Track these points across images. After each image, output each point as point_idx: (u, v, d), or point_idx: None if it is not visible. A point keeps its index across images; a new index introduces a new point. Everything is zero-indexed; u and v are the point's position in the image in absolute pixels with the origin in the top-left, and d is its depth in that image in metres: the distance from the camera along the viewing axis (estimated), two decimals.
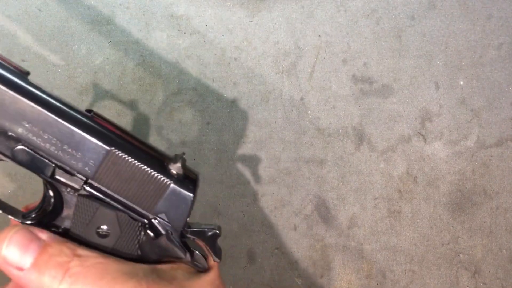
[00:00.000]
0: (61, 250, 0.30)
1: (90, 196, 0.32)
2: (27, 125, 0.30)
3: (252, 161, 0.51)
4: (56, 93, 0.32)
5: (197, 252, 0.34)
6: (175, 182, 0.33)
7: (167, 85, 0.50)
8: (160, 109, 0.50)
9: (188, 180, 0.33)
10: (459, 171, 0.52)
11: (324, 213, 0.51)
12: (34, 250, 0.29)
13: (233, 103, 0.51)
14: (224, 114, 0.50)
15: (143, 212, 0.33)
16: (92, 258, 0.30)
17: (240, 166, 0.51)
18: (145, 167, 0.32)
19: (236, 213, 0.51)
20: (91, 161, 0.31)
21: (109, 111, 0.49)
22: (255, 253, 0.51)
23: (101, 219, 0.32)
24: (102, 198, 0.32)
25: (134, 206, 0.32)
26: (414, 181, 0.52)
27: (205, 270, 0.34)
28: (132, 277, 0.30)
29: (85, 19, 0.49)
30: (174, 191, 0.32)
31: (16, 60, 0.49)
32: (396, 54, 0.51)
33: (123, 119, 0.49)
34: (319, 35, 0.51)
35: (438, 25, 0.51)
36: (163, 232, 0.33)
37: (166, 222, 0.33)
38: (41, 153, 0.31)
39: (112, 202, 0.32)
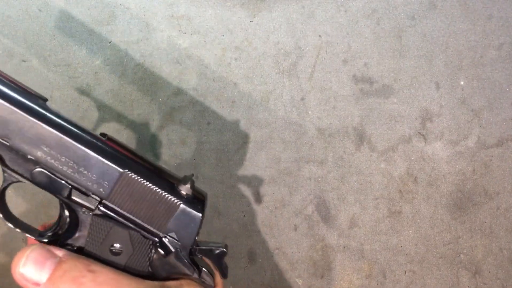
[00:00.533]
0: (75, 266, 0.31)
1: (104, 215, 0.33)
2: (45, 149, 0.32)
3: (253, 161, 0.51)
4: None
5: (205, 269, 0.36)
6: (185, 203, 0.34)
7: (168, 85, 0.50)
8: (161, 109, 0.50)
9: (197, 200, 0.35)
10: (459, 171, 0.52)
11: (324, 213, 0.51)
12: (50, 267, 0.31)
13: (233, 103, 0.51)
14: (224, 114, 0.50)
15: (154, 231, 0.34)
16: (104, 273, 0.31)
17: (240, 166, 0.51)
18: (156, 188, 0.34)
19: (237, 213, 0.51)
20: (106, 182, 0.33)
21: (110, 111, 0.49)
22: (256, 253, 0.51)
23: (114, 237, 0.34)
24: (115, 217, 0.34)
25: (146, 225, 0.34)
26: (414, 181, 0.52)
27: (211, 287, 0.36)
28: None
29: (85, 20, 0.49)
30: (183, 211, 0.34)
31: (17, 60, 0.49)
32: (396, 54, 0.51)
33: (124, 120, 0.49)
34: (320, 35, 0.51)
35: (438, 25, 0.51)
36: (172, 250, 0.34)
37: (176, 241, 0.34)
38: (58, 175, 0.32)
39: (124, 222, 0.34)
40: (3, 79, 0.32)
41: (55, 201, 0.34)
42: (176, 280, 0.35)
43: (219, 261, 0.36)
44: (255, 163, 0.51)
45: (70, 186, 0.33)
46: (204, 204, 0.35)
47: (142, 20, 0.49)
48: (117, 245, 0.34)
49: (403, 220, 0.52)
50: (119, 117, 0.49)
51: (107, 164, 0.33)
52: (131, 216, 0.34)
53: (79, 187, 0.33)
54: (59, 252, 0.32)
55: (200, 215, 0.34)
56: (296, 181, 0.51)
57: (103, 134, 0.35)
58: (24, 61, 0.49)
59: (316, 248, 0.51)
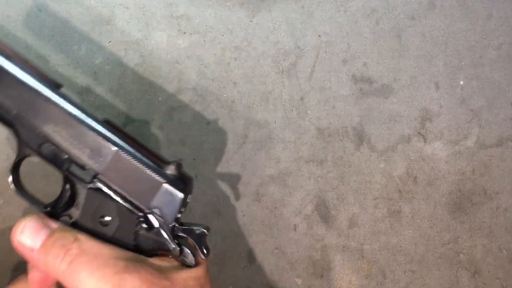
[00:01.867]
0: (65, 236, 0.35)
1: (97, 189, 0.37)
2: (53, 126, 0.37)
3: (252, 161, 0.51)
4: (70, 97, 0.39)
5: (186, 248, 0.38)
6: (168, 182, 0.38)
7: (167, 85, 0.50)
8: (160, 109, 0.50)
9: (181, 181, 0.38)
10: (459, 171, 0.52)
11: (324, 213, 0.51)
12: (43, 235, 0.36)
13: (233, 103, 0.51)
14: (224, 114, 0.50)
15: (140, 206, 0.38)
16: (89, 243, 0.35)
17: (240, 166, 0.51)
18: (144, 167, 0.38)
19: (236, 213, 0.51)
20: (101, 158, 0.37)
21: (109, 110, 0.49)
22: (255, 253, 0.51)
23: (104, 209, 0.38)
24: (106, 191, 0.38)
25: (133, 200, 0.38)
26: (414, 181, 0.52)
27: (193, 265, 0.38)
28: (122, 261, 0.34)
29: (85, 19, 0.49)
30: (166, 190, 0.38)
31: None
32: (396, 54, 0.51)
33: (123, 119, 0.49)
34: (319, 35, 0.51)
35: (438, 25, 0.51)
36: (156, 225, 0.38)
37: (159, 217, 0.38)
38: (62, 150, 0.37)
39: (114, 196, 0.38)
40: (26, 65, 0.38)
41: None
42: (159, 256, 0.38)
43: (199, 240, 0.39)
44: (254, 163, 0.51)
45: (70, 160, 0.37)
46: (188, 185, 0.39)
47: (142, 20, 0.49)
48: (106, 217, 0.37)
49: (402, 220, 0.52)
50: (119, 117, 0.49)
51: (104, 142, 0.37)
52: (120, 191, 0.38)
53: (78, 161, 0.37)
54: (53, 224, 0.37)
55: (182, 194, 0.38)
56: (296, 181, 0.51)
57: (106, 120, 0.39)
58: None
59: (316, 248, 0.51)
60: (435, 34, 0.51)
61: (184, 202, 0.38)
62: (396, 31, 0.51)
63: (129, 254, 0.36)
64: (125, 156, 0.37)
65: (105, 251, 0.35)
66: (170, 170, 0.38)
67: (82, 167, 0.37)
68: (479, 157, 0.52)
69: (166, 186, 0.38)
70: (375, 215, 0.51)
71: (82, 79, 0.49)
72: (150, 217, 0.38)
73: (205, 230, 0.39)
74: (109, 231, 0.37)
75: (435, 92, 0.51)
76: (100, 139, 0.37)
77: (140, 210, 0.38)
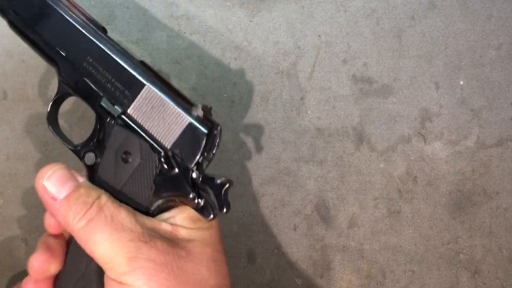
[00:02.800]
0: (89, 193, 0.35)
1: (124, 125, 0.38)
2: (90, 60, 0.38)
3: (252, 161, 0.51)
4: (108, 37, 0.40)
5: (205, 198, 0.37)
6: (193, 121, 0.37)
7: None
8: None
9: (206, 125, 0.37)
10: (459, 171, 0.52)
11: (324, 213, 0.51)
12: (69, 187, 0.35)
13: (233, 103, 0.51)
14: (224, 114, 0.50)
15: (163, 144, 0.37)
16: (110, 204, 0.35)
17: (240, 166, 0.51)
18: (171, 103, 0.37)
19: (236, 213, 0.51)
20: (132, 94, 0.37)
21: None
22: (255, 253, 0.51)
23: (128, 145, 0.37)
24: (132, 127, 0.38)
25: (155, 136, 0.37)
26: (414, 181, 0.52)
27: (209, 220, 0.37)
28: (139, 228, 0.34)
29: None
30: (190, 127, 0.37)
31: (17, 60, 0.49)
32: (396, 54, 0.51)
33: None
34: (319, 35, 0.51)
35: (438, 25, 0.51)
36: (175, 167, 0.37)
37: (180, 158, 0.37)
38: (97, 83, 0.38)
39: (138, 130, 0.37)
40: (74, 6, 0.40)
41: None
42: (175, 209, 0.38)
43: (219, 192, 0.37)
44: (254, 163, 0.51)
45: (102, 95, 0.38)
46: (212, 129, 0.37)
47: (142, 20, 0.49)
48: (128, 153, 0.37)
49: (402, 220, 0.52)
50: None
51: (136, 77, 0.37)
52: (146, 126, 0.37)
53: (110, 96, 0.38)
54: (80, 178, 0.36)
55: (206, 131, 0.36)
56: (296, 181, 0.51)
57: (141, 61, 0.39)
58: (24, 61, 0.49)
59: (316, 247, 0.51)
60: (435, 34, 0.51)
61: (207, 147, 0.37)
62: (396, 31, 0.51)
63: (147, 220, 0.36)
64: (154, 92, 0.37)
65: (123, 215, 0.35)
66: (197, 111, 0.37)
67: (113, 102, 0.38)
68: (479, 157, 0.52)
69: (190, 122, 0.37)
70: (375, 215, 0.51)
71: None
72: (171, 156, 0.37)
73: (227, 182, 0.37)
74: (130, 168, 0.37)
75: (435, 92, 0.51)
76: (133, 74, 0.37)
77: (162, 148, 0.37)
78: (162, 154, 0.37)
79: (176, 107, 0.37)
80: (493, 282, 0.52)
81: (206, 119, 0.37)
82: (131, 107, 0.37)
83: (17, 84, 0.49)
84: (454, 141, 0.52)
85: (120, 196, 0.37)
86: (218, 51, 0.50)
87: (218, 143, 0.38)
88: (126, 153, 0.37)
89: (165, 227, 0.36)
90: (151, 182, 0.37)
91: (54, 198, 0.35)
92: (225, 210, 0.37)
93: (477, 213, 0.52)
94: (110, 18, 0.49)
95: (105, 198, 0.35)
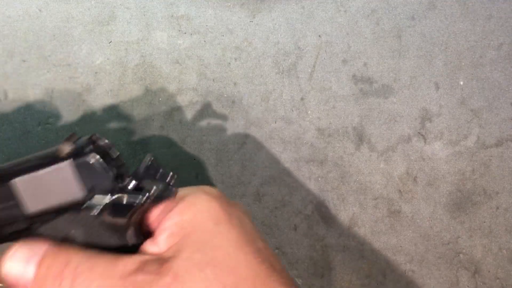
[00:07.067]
0: (56, 260, 0.32)
1: (41, 222, 0.34)
2: None
3: (252, 161, 0.51)
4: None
5: (154, 186, 0.34)
6: (73, 158, 0.33)
7: (168, 85, 0.50)
8: (161, 109, 0.50)
9: (82, 151, 0.33)
10: (459, 171, 0.52)
11: (324, 213, 0.51)
12: (34, 264, 0.32)
13: (233, 103, 0.51)
14: (224, 114, 0.50)
15: (76, 201, 0.33)
16: (83, 261, 0.31)
17: (240, 166, 0.51)
18: (41, 171, 0.33)
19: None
20: (11, 201, 0.34)
21: (110, 111, 0.49)
22: None
23: (60, 229, 0.34)
24: (47, 218, 0.34)
25: (65, 202, 0.33)
26: (414, 181, 0.52)
27: (174, 195, 0.34)
28: (120, 264, 0.31)
29: (85, 20, 0.49)
30: (76, 165, 0.33)
31: (17, 60, 0.49)
32: (396, 54, 0.51)
33: (124, 120, 0.49)
34: (319, 36, 0.51)
35: (438, 26, 0.51)
36: (103, 202, 0.33)
37: (98, 193, 0.33)
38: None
39: (54, 213, 0.34)
40: None
41: None
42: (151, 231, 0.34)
43: (164, 178, 0.35)
44: (255, 163, 0.51)
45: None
46: (87, 146, 0.33)
47: (142, 20, 0.49)
48: (71, 232, 0.34)
49: (402, 219, 0.52)
50: (119, 117, 0.49)
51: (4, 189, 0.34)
52: (52, 204, 0.33)
53: (7, 219, 0.34)
54: (43, 246, 0.33)
55: (92, 158, 0.32)
56: (296, 181, 0.51)
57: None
58: (24, 61, 0.49)
59: (316, 247, 0.51)
60: (435, 34, 0.51)
61: (100, 162, 0.33)
62: (396, 31, 0.51)
63: (125, 260, 0.32)
64: (22, 179, 0.33)
65: (99, 264, 0.32)
66: (67, 149, 0.33)
67: (12, 222, 0.34)
68: (479, 157, 0.52)
69: (70, 162, 0.32)
70: (375, 215, 0.52)
71: (82, 79, 0.49)
72: (94, 200, 0.33)
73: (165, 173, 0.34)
74: (80, 238, 0.34)
75: (435, 92, 0.51)
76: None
77: (76, 205, 0.33)
78: (85, 206, 0.33)
79: (47, 168, 0.33)
80: (493, 282, 0.52)
81: (80, 147, 0.34)
82: (25, 207, 0.34)
83: (17, 84, 0.49)
84: (454, 141, 0.52)
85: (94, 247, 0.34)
86: (219, 51, 0.50)
87: (102, 146, 0.34)
88: (67, 234, 0.34)
89: (147, 258, 0.32)
90: (105, 235, 0.34)
91: (25, 286, 0.32)
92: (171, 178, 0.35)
93: (477, 213, 0.52)
94: (111, 18, 0.49)
95: (76, 257, 0.32)
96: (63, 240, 0.34)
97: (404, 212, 0.52)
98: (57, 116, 0.49)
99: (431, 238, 0.52)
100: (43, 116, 0.49)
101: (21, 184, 0.34)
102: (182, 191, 0.36)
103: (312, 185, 0.51)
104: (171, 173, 0.36)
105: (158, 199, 0.34)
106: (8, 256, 0.33)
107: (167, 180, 0.36)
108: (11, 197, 0.34)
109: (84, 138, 0.34)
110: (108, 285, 0.30)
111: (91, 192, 0.33)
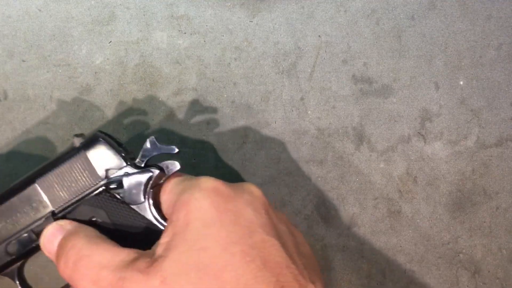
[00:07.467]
0: (67, 241, 0.36)
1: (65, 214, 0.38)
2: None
3: (252, 161, 0.51)
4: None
5: (153, 169, 0.38)
6: (84, 148, 0.38)
7: (168, 85, 0.50)
8: (160, 109, 0.50)
9: (90, 139, 0.38)
10: (459, 171, 0.52)
11: (324, 213, 0.51)
12: (57, 241, 0.36)
13: (233, 103, 0.51)
14: (224, 114, 0.50)
15: (93, 185, 0.38)
16: (84, 247, 0.35)
17: (240, 166, 0.51)
18: (62, 164, 0.38)
19: None
20: (34, 203, 0.38)
21: (110, 111, 0.49)
22: None
23: (84, 214, 0.38)
24: (68, 210, 0.38)
25: (86, 191, 0.38)
26: (414, 181, 0.52)
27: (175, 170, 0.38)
28: (112, 264, 0.33)
29: (85, 20, 0.49)
30: (90, 152, 0.38)
31: (17, 60, 0.49)
32: (396, 54, 0.51)
33: (124, 120, 0.49)
34: (319, 36, 0.51)
35: (438, 26, 0.51)
36: (118, 179, 0.37)
37: (115, 177, 0.37)
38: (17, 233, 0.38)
39: (73, 200, 0.38)
40: None
41: None
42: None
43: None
44: (255, 163, 0.51)
45: (32, 231, 0.38)
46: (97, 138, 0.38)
47: (142, 20, 0.49)
48: (92, 218, 0.38)
49: (402, 219, 0.52)
50: (119, 117, 0.49)
51: (23, 190, 0.38)
52: (76, 198, 0.37)
53: (32, 225, 0.38)
54: (69, 226, 0.37)
55: (82, 148, 0.37)
56: (296, 181, 0.51)
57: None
58: (23, 60, 0.49)
59: (316, 247, 0.51)
60: (435, 34, 0.51)
61: (109, 147, 0.38)
62: (396, 31, 0.51)
63: (125, 252, 0.34)
64: (46, 177, 0.37)
65: (99, 248, 0.34)
66: (77, 141, 0.38)
67: (37, 220, 0.38)
68: (479, 157, 0.52)
69: (83, 152, 0.38)
70: (375, 215, 0.52)
71: (82, 79, 0.49)
72: (110, 185, 0.37)
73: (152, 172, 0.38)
74: (106, 223, 0.38)
75: (435, 92, 0.51)
76: (22, 191, 0.38)
77: (99, 186, 0.38)
78: (102, 189, 0.38)
79: (65, 156, 0.38)
80: (493, 282, 0.52)
81: (88, 139, 0.38)
82: (53, 203, 0.38)
83: (17, 84, 0.49)
84: (454, 141, 0.52)
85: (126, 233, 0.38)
86: (219, 51, 0.50)
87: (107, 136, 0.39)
88: (91, 219, 0.38)
89: (139, 253, 0.34)
90: (127, 209, 0.38)
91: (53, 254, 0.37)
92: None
93: (477, 213, 0.52)
94: (111, 18, 0.49)
95: (79, 241, 0.35)
96: (89, 224, 0.37)
97: (404, 212, 0.52)
98: (57, 116, 0.49)
99: (431, 238, 0.52)
100: (43, 116, 0.49)
101: (42, 183, 0.37)
102: (180, 186, 0.37)
103: (312, 185, 0.51)
104: (174, 149, 0.40)
105: (167, 172, 0.38)
106: (44, 231, 0.37)
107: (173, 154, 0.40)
108: (37, 197, 0.37)
109: (93, 131, 0.39)
110: (101, 275, 0.32)
111: (107, 175, 0.37)
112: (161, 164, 0.38)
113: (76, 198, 0.37)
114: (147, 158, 0.38)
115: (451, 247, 0.52)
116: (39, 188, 0.37)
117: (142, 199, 0.37)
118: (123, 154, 0.38)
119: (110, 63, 0.49)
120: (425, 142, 0.52)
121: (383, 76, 0.51)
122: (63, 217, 0.38)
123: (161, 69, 0.50)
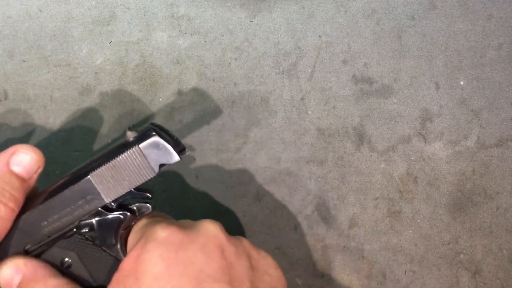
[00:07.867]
0: (34, 276, 0.35)
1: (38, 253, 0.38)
2: (46, 223, 0.38)
3: (253, 161, 0.51)
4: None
5: (131, 207, 0.38)
6: (138, 142, 0.37)
7: (168, 85, 0.50)
8: (161, 110, 0.50)
9: (146, 134, 0.37)
10: (459, 171, 0.52)
11: (324, 213, 0.51)
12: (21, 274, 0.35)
13: (233, 103, 0.51)
14: (224, 115, 0.50)
15: (70, 225, 0.37)
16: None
17: (240, 167, 0.51)
18: (117, 158, 0.37)
19: (237, 213, 0.51)
20: (89, 196, 0.37)
21: (110, 111, 0.49)
22: None
23: (60, 255, 0.38)
24: (44, 247, 0.38)
25: (136, 185, 0.37)
26: (414, 181, 0.52)
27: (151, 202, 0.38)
28: None
29: (85, 20, 0.49)
30: (144, 147, 0.37)
31: (17, 60, 0.49)
32: (396, 55, 0.51)
33: (124, 120, 0.49)
34: (320, 36, 0.51)
35: (438, 26, 0.51)
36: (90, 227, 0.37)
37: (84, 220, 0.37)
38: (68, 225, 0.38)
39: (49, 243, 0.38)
40: None
41: None
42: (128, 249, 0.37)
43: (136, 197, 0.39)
44: (255, 163, 0.51)
45: (76, 224, 0.37)
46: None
47: (142, 20, 0.49)
48: (65, 260, 0.37)
49: (402, 220, 0.52)
50: (119, 117, 0.49)
51: (76, 184, 0.37)
52: (125, 192, 0.37)
53: (91, 210, 0.37)
54: (25, 268, 0.36)
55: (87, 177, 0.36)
56: (296, 181, 0.51)
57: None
58: (24, 61, 0.49)
59: (316, 248, 0.51)
60: (436, 34, 0.51)
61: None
62: (396, 31, 0.51)
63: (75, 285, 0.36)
64: (96, 172, 0.37)
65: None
66: (131, 137, 0.37)
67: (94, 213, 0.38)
68: (479, 157, 0.52)
69: (138, 148, 0.37)
70: (376, 215, 0.52)
71: (82, 79, 0.49)
72: (82, 223, 0.37)
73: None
74: (76, 270, 0.37)
75: (435, 92, 0.51)
76: (76, 184, 0.37)
77: (70, 228, 0.37)
78: (74, 232, 0.37)
79: (118, 157, 0.37)
80: (493, 282, 0.52)
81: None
82: (103, 197, 0.37)
83: (18, 84, 0.49)
84: (455, 141, 0.52)
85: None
86: (219, 52, 0.50)
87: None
88: (62, 260, 0.38)
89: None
90: (96, 250, 0.38)
91: None
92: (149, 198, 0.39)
93: (478, 213, 0.52)
94: (111, 18, 0.49)
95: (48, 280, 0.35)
96: (61, 265, 0.37)
97: (404, 212, 0.52)
98: (57, 116, 0.49)
99: (431, 238, 0.52)
100: (43, 116, 0.49)
101: (96, 177, 0.37)
102: (139, 233, 0.38)
103: (312, 185, 0.51)
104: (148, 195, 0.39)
105: (138, 215, 0.38)
106: (3, 262, 0.36)
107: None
108: (91, 191, 0.37)
109: (145, 125, 0.38)
110: None
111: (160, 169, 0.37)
112: (133, 207, 0.38)
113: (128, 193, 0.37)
114: (118, 202, 0.38)
115: (451, 247, 0.52)
116: (94, 179, 0.37)
117: (113, 242, 0.37)
118: (178, 149, 0.38)
119: (111, 63, 0.49)
120: (425, 142, 0.52)
121: (383, 76, 0.51)
122: (38, 255, 0.37)
123: (161, 69, 0.50)
